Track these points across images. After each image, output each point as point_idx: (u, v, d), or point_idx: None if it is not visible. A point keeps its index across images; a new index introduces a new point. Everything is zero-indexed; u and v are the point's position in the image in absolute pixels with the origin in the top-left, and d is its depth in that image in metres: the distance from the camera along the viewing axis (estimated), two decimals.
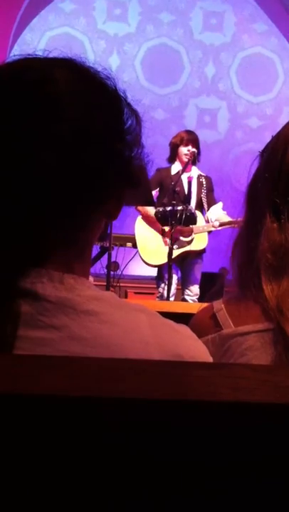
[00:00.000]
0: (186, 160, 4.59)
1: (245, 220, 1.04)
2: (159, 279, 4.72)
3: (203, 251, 4.73)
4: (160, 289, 4.65)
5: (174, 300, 4.66)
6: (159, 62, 7.54)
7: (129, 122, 0.77)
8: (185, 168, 4.60)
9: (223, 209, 4.74)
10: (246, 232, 1.02)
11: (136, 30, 7.57)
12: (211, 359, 0.78)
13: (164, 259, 4.43)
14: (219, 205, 4.74)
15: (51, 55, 0.78)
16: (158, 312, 0.76)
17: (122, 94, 0.78)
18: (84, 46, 7.40)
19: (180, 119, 7.54)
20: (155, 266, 4.67)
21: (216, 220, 4.61)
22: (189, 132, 4.79)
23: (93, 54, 7.40)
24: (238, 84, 7.66)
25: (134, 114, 0.78)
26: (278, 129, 1.06)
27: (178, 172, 4.62)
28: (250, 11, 7.59)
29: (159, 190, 4.69)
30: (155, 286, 4.94)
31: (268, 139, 1.04)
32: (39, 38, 7.30)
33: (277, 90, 7.69)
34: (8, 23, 6.35)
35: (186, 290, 4.73)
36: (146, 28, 7.58)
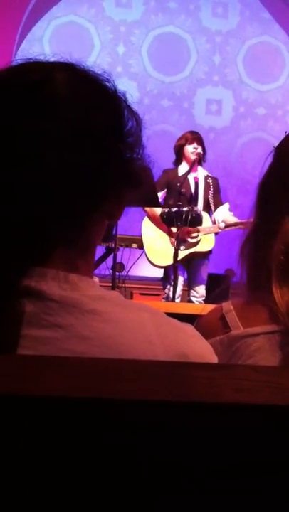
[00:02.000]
0: (193, 158, 4.58)
1: (256, 219, 1.02)
2: (165, 280, 4.72)
3: (210, 252, 4.72)
4: (166, 291, 4.64)
5: (180, 301, 4.66)
6: (165, 51, 7.52)
7: (130, 124, 0.78)
8: (192, 168, 4.59)
9: (230, 203, 4.73)
10: (258, 233, 1.01)
11: (143, 18, 7.56)
12: (215, 358, 0.78)
13: (170, 260, 4.42)
14: (226, 205, 4.74)
15: (51, 61, 0.79)
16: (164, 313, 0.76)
17: (122, 96, 0.78)
18: (90, 34, 7.41)
19: (186, 107, 7.54)
20: (161, 267, 4.67)
21: (221, 222, 4.60)
22: (193, 132, 4.79)
23: (100, 42, 7.42)
24: (245, 72, 7.65)
25: (134, 116, 0.78)
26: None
27: (184, 173, 4.61)
28: (256, 2, 7.58)
29: (167, 192, 4.69)
30: (160, 287, 4.94)
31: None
32: (45, 27, 7.28)
33: (284, 79, 7.67)
34: (15, 22, 6.37)
35: (192, 291, 4.72)
36: (153, 16, 7.56)
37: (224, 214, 4.67)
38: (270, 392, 0.56)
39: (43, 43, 7.28)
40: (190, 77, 7.58)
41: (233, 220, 4.57)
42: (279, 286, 0.93)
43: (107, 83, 0.77)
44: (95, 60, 7.27)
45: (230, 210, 4.73)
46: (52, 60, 0.78)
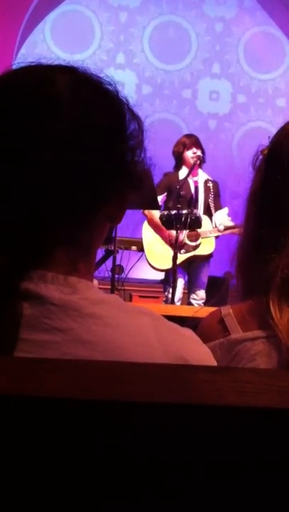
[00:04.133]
0: (193, 162, 4.58)
1: (256, 229, 0.98)
2: (165, 282, 4.71)
3: (210, 255, 4.72)
4: (166, 293, 4.63)
5: (181, 304, 4.65)
6: (166, 39, 7.54)
7: (132, 127, 0.78)
8: (191, 171, 4.59)
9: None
10: (257, 243, 0.97)
11: (144, 7, 7.54)
12: (215, 362, 0.78)
13: (170, 264, 4.42)
14: (225, 210, 4.74)
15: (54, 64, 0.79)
16: (163, 316, 0.75)
17: (123, 99, 0.78)
18: (91, 23, 7.42)
19: (188, 96, 7.55)
20: (162, 270, 4.66)
21: (220, 224, 4.60)
22: (189, 136, 4.79)
23: (100, 32, 7.43)
24: (246, 61, 7.65)
25: (136, 119, 0.79)
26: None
27: (185, 176, 4.60)
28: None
29: (167, 195, 4.68)
30: (160, 289, 4.94)
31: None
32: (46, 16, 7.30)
33: (283, 68, 7.65)
34: (18, 18, 6.38)
35: (193, 294, 4.72)
36: (153, 5, 7.56)
37: (222, 219, 4.67)
38: (272, 395, 0.56)
39: (44, 32, 7.29)
40: (191, 66, 7.58)
41: (231, 224, 4.57)
42: (278, 304, 0.91)
43: (108, 86, 0.78)
44: (96, 48, 7.33)
45: (229, 215, 4.73)
46: (54, 63, 0.78)
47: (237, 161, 7.17)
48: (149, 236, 4.70)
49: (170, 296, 4.44)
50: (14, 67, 0.77)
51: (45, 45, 7.30)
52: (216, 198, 4.74)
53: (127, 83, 7.19)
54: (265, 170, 1.00)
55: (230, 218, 4.68)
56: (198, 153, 4.61)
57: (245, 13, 7.64)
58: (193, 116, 7.46)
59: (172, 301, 4.33)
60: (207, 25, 7.62)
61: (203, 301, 4.69)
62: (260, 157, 1.01)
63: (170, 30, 7.58)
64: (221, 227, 4.56)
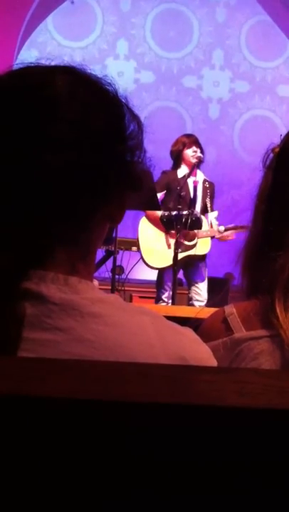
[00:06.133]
0: (193, 161, 4.58)
1: (261, 228, 0.98)
2: (158, 284, 4.67)
3: (206, 255, 4.71)
4: (165, 298, 4.59)
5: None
6: (168, 27, 7.59)
7: (131, 128, 0.78)
8: (191, 171, 4.59)
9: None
10: (262, 242, 0.97)
11: None
12: (215, 362, 0.78)
13: (165, 262, 4.41)
14: (214, 213, 4.75)
15: (52, 64, 0.79)
16: (164, 316, 0.76)
17: (123, 100, 0.78)
18: (94, 11, 7.49)
19: (188, 83, 7.59)
20: (156, 268, 4.65)
21: (220, 226, 4.61)
22: (188, 135, 4.80)
23: (102, 20, 7.48)
24: (248, 49, 7.66)
25: (136, 120, 0.79)
26: None
27: (184, 176, 4.61)
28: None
29: (166, 194, 4.68)
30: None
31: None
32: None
33: (284, 58, 7.65)
34: (18, 21, 6.39)
35: (195, 295, 4.68)
36: None
37: (211, 222, 4.69)
38: (272, 396, 0.56)
39: (46, 21, 7.31)
40: (192, 54, 7.62)
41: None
42: (284, 303, 0.90)
43: (108, 86, 0.78)
44: (98, 36, 7.39)
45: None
46: (53, 63, 0.78)
47: (239, 149, 7.17)
48: (145, 233, 4.67)
49: (169, 301, 4.43)
50: (14, 67, 0.78)
51: (48, 33, 7.33)
52: (211, 200, 4.75)
53: (129, 71, 7.24)
54: (276, 169, 1.00)
55: (217, 222, 4.69)
56: (198, 153, 4.62)
57: (245, 2, 7.63)
58: (196, 104, 7.49)
59: (173, 302, 4.32)
60: (210, 12, 7.63)
61: (205, 302, 4.66)
62: (271, 155, 1.02)
63: (172, 17, 7.61)
64: (222, 229, 4.57)
